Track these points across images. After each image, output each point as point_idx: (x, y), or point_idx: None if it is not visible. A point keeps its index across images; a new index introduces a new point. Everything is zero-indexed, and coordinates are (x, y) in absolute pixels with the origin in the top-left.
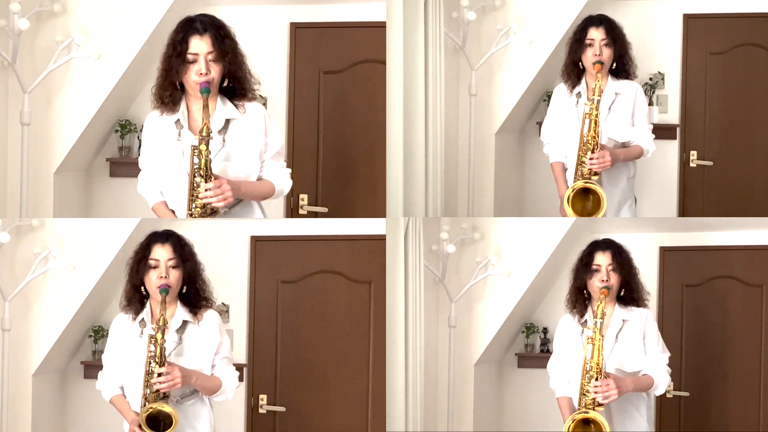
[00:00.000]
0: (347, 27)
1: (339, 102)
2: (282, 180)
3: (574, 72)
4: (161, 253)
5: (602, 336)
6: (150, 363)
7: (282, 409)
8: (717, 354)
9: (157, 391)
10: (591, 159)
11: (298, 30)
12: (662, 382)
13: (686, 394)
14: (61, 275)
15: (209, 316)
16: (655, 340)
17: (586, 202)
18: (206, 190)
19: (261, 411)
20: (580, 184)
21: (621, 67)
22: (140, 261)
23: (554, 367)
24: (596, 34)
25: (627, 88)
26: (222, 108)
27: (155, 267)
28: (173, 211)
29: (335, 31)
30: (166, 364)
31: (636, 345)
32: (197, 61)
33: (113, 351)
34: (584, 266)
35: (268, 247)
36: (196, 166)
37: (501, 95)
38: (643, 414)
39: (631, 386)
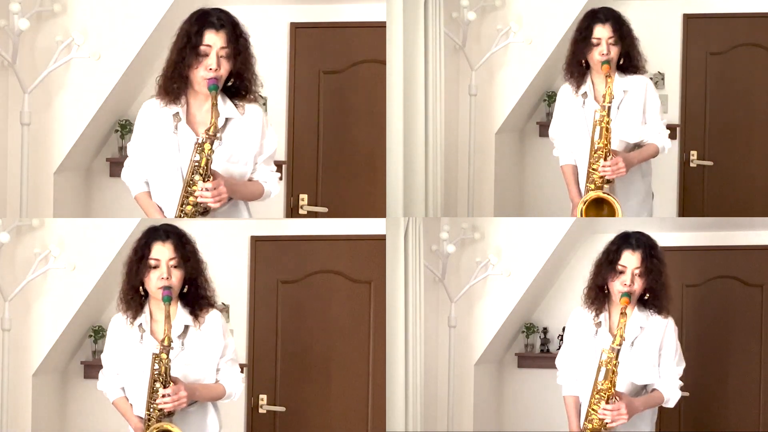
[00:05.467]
0: (347, 27)
1: (339, 102)
2: (271, 183)
3: (577, 71)
4: (162, 252)
5: (618, 361)
6: (154, 383)
7: (282, 409)
8: (717, 354)
9: (162, 409)
10: (603, 167)
11: (298, 30)
12: (673, 398)
13: (686, 394)
14: (61, 275)
15: (211, 318)
16: (672, 353)
17: (600, 211)
18: (204, 190)
19: (261, 411)
20: (591, 195)
21: (629, 62)
22: (140, 260)
23: (564, 362)
24: (603, 32)
25: (636, 83)
26: (222, 106)
27: (156, 267)
28: (159, 208)
29: (335, 31)
30: (171, 384)
31: (651, 355)
32: (209, 55)
33: (112, 353)
34: (609, 264)
35: (268, 247)
36: (196, 164)
37: (501, 95)
38: (647, 422)
39: (641, 409)
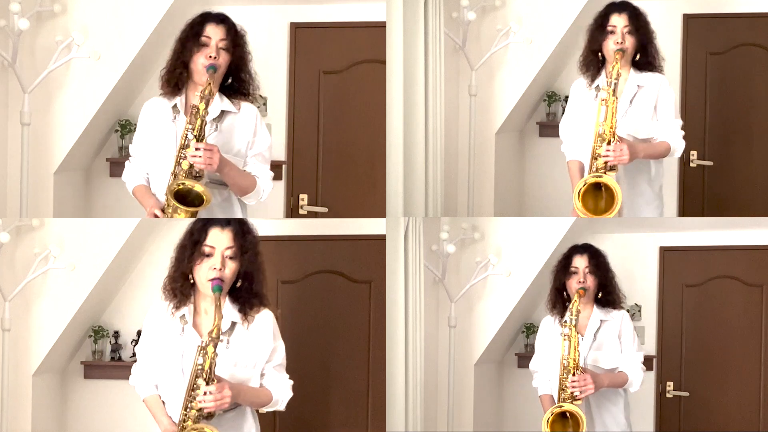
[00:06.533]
0: (347, 27)
1: (339, 102)
2: (264, 179)
3: (593, 62)
4: (219, 240)
5: (578, 333)
6: (196, 378)
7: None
8: (717, 354)
9: (201, 409)
10: (607, 151)
11: (298, 30)
12: (636, 379)
13: (686, 394)
14: (61, 275)
15: (262, 318)
16: (630, 339)
17: (599, 200)
18: (196, 150)
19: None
20: (591, 178)
21: (645, 58)
22: (194, 245)
23: (536, 366)
24: (619, 21)
25: (651, 80)
26: (219, 102)
27: (209, 255)
28: (156, 196)
29: (335, 31)
30: (215, 381)
31: (612, 343)
32: (209, 45)
33: (149, 346)
34: (563, 268)
35: (268, 247)
36: (190, 126)
37: (501, 95)
38: (620, 409)
39: (606, 382)
